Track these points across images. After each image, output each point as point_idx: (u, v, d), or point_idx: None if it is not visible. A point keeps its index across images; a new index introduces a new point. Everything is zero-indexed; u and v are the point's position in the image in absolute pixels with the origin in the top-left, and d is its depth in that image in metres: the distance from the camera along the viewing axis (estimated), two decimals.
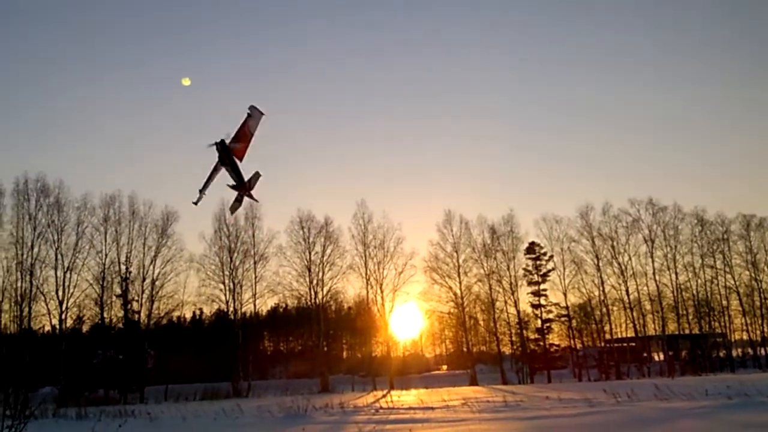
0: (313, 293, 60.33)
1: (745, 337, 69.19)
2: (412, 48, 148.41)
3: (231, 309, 59.63)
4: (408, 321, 67.84)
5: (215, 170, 19.98)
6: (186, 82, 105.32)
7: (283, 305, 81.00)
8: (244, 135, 20.55)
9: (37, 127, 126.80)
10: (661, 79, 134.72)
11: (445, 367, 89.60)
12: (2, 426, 8.12)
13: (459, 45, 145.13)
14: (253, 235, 61.22)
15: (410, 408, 26.30)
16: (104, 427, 9.02)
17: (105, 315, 56.65)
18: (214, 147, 19.20)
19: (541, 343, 63.83)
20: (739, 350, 71.77)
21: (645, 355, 67.49)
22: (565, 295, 63.55)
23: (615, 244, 64.32)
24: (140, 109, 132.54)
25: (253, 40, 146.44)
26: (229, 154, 19.83)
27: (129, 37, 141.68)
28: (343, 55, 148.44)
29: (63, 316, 54.56)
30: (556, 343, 66.65)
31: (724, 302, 67.63)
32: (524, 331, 64.01)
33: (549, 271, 63.94)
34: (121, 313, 57.41)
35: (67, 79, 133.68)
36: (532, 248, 64.14)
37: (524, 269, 64.03)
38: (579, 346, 66.96)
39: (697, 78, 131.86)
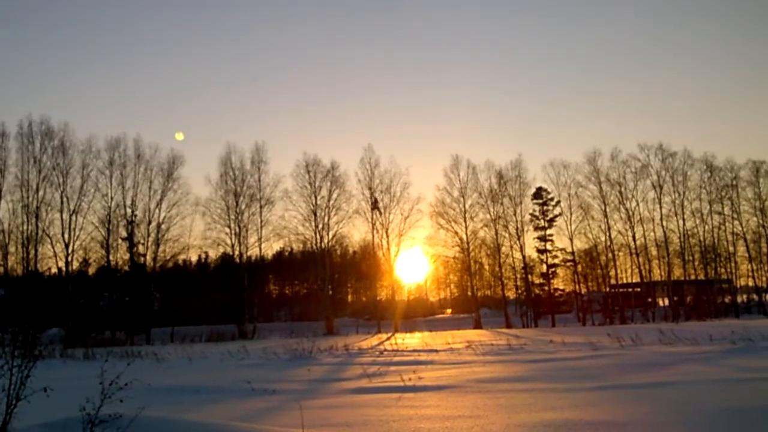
0: (318, 237, 60.46)
1: (750, 283, 69.09)
2: None
3: (236, 252, 59.77)
4: (413, 265, 68.15)
5: None
6: (179, 136, 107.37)
7: (289, 249, 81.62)
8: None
9: (41, 69, 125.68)
10: (674, 21, 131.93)
11: (449, 311, 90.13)
12: (12, 365, 8.09)
13: None
14: (259, 179, 61.17)
15: (414, 350, 26.36)
16: (111, 367, 8.93)
17: (111, 258, 56.82)
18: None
19: (546, 288, 63.97)
20: (745, 296, 71.79)
21: (650, 300, 67.66)
22: (571, 240, 63.58)
23: (623, 189, 64.14)
24: (146, 51, 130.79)
25: None
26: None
27: None
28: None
29: (69, 259, 54.77)
30: (561, 287, 67.06)
31: (731, 248, 67.46)
32: (529, 276, 64.09)
33: (556, 216, 63.63)
34: (127, 256, 57.62)
35: (72, 19, 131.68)
36: (539, 193, 63.65)
37: (531, 214, 63.75)
38: (584, 291, 67.21)
39: (710, 21, 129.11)
